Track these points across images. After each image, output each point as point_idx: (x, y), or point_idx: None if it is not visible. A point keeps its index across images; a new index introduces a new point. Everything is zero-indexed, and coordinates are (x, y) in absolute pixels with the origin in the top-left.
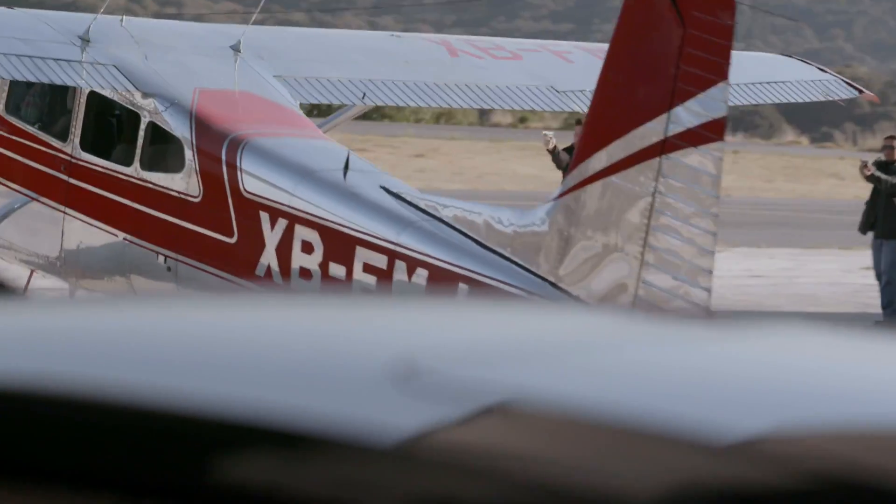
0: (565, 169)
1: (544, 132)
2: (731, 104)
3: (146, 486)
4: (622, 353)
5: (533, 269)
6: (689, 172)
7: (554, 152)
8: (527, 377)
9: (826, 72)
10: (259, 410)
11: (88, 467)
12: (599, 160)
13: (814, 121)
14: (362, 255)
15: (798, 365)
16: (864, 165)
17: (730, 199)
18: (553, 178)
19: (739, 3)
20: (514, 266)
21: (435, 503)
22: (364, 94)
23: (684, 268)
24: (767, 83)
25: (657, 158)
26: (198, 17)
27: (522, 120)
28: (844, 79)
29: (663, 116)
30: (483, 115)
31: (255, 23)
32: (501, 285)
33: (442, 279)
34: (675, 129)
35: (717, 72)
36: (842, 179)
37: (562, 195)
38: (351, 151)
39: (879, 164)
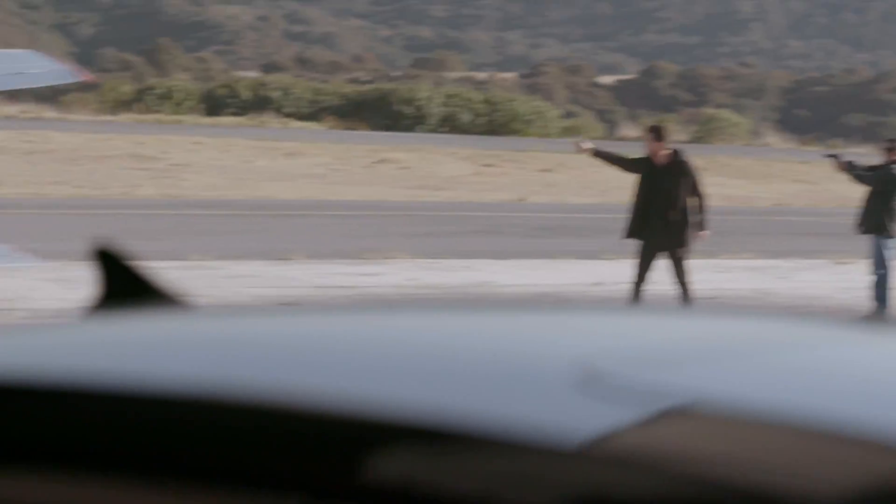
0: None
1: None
2: None
3: (329, 489)
4: (800, 354)
5: None
6: None
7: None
8: (711, 380)
9: (61, 64)
10: (443, 414)
11: (271, 471)
12: None
13: None
14: None
15: None
16: None
17: None
18: None
19: None
20: None
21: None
22: None
23: None
24: (12, 74)
25: None
26: (326, 34)
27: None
28: (72, 69)
29: None
30: (612, 131)
31: (379, 37)
32: None
33: None
34: None
35: None
36: None
37: None
38: None
39: None
